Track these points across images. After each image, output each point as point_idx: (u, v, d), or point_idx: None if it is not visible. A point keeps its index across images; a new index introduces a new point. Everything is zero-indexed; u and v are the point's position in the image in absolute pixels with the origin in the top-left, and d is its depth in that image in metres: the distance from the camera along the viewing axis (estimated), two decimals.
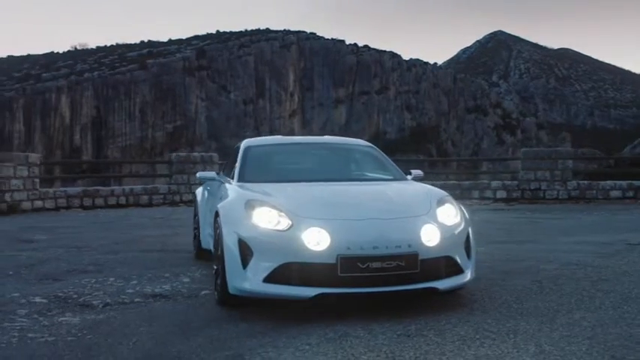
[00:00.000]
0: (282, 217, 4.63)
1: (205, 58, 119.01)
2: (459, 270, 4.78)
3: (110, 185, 22.19)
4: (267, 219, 4.65)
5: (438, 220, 4.79)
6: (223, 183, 5.86)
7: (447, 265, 4.71)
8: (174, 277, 6.24)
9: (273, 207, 4.73)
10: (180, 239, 9.12)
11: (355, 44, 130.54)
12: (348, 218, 4.64)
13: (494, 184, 16.69)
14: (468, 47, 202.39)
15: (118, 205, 15.95)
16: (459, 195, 15.58)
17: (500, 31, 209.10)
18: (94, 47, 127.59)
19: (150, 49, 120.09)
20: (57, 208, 14.39)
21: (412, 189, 5.43)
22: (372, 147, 6.50)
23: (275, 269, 4.48)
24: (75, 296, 5.50)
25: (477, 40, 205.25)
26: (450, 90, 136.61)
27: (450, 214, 4.96)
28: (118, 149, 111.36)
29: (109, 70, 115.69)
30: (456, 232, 4.87)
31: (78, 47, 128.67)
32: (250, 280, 4.54)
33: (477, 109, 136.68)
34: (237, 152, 6.21)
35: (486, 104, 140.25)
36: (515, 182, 16.73)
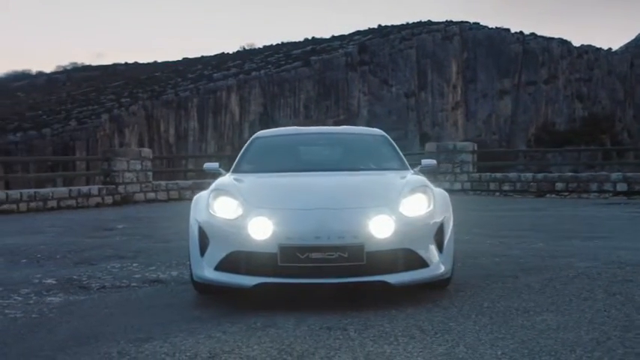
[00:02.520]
0: (238, 207, 4.65)
1: (367, 52, 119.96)
2: (421, 264, 4.51)
3: None
4: (224, 208, 4.69)
5: (398, 211, 4.55)
6: (221, 174, 5.96)
7: (406, 259, 4.46)
8: None
9: (233, 196, 4.76)
10: None
11: (521, 32, 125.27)
12: (295, 208, 4.56)
13: (614, 176, 15.35)
14: None
15: None
16: (575, 188, 14.62)
17: None
18: (260, 47, 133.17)
19: (313, 46, 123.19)
20: (168, 200, 15.29)
21: (393, 179, 5.17)
22: (383, 136, 6.28)
23: (224, 257, 4.52)
24: (84, 279, 5.84)
25: None
26: (626, 76, 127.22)
27: (418, 204, 4.69)
28: None
29: (274, 68, 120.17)
30: (422, 223, 4.60)
31: (246, 47, 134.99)
32: (205, 268, 4.61)
33: None
34: None
35: None
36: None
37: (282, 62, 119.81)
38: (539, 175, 15.98)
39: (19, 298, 5.14)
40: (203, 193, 5.08)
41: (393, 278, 4.38)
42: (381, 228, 4.40)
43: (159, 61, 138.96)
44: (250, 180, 5.25)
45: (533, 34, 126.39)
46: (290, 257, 4.30)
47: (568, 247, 7.22)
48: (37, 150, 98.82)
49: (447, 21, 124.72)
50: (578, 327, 3.91)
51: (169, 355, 3.52)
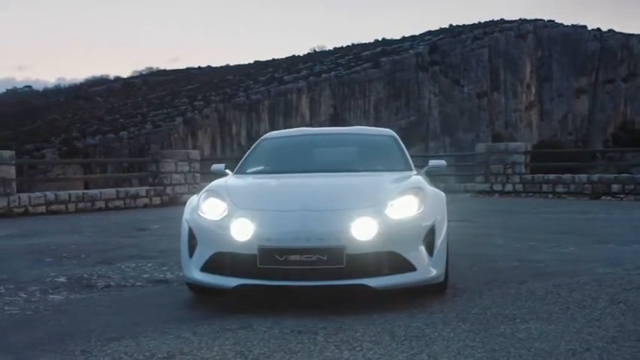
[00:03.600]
0: (224, 208, 4.64)
1: (438, 52, 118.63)
2: (407, 267, 4.37)
3: None
4: (211, 209, 4.70)
5: (384, 213, 4.43)
6: (225, 176, 5.95)
7: (391, 262, 4.33)
8: None
9: (221, 198, 4.76)
10: None
11: (598, 29, 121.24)
12: (276, 209, 4.51)
13: None
14: None
15: None
16: (632, 190, 13.95)
17: None
18: (331, 49, 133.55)
19: (383, 47, 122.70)
20: None
21: (388, 180, 5.03)
22: (391, 137, 6.15)
23: (209, 258, 4.53)
24: (94, 278, 5.95)
25: None
26: None
27: (407, 206, 4.54)
28: None
29: (344, 69, 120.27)
30: (410, 225, 4.45)
31: (316, 49, 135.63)
32: (193, 269, 4.62)
33: None
34: None
35: None
36: None
37: (352, 64, 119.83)
38: (595, 177, 15.34)
39: (24, 296, 5.27)
40: (196, 195, 5.09)
41: (374, 282, 4.26)
42: (363, 230, 4.29)
43: (231, 64, 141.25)
44: (245, 181, 5.25)
45: (611, 30, 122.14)
46: (269, 259, 4.24)
47: (599, 252, 6.91)
48: (114, 152, 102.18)
49: (520, 19, 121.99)
50: (560, 337, 3.70)
51: (127, 355, 3.53)
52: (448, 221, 4.86)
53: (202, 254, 4.55)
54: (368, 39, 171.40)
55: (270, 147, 6.17)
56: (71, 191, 13.03)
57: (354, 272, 4.23)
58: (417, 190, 4.74)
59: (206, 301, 4.83)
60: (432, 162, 6.00)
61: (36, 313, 4.68)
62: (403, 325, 3.99)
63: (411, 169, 5.60)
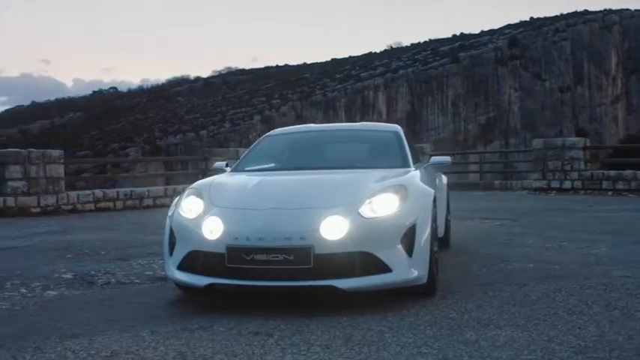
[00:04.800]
0: (200, 206, 4.59)
1: (518, 46, 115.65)
2: (381, 268, 4.19)
3: None
4: (189, 207, 4.66)
5: (357, 212, 4.25)
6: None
7: (363, 263, 4.16)
8: None
9: (200, 196, 4.72)
10: None
11: None
12: (246, 207, 4.43)
13: None
14: None
15: None
16: None
17: None
18: (408, 45, 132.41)
19: (462, 41, 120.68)
20: None
21: (374, 177, 4.82)
22: (394, 133, 5.93)
23: (184, 257, 4.49)
24: (99, 275, 6.01)
25: None
26: None
27: (385, 204, 4.35)
28: (431, 142, 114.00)
29: (422, 65, 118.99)
30: (387, 224, 4.26)
31: (393, 46, 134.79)
32: (172, 267, 4.60)
33: None
34: None
35: None
36: None
37: (430, 59, 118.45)
38: None
39: (24, 291, 5.37)
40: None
41: (344, 283, 4.10)
42: (333, 229, 4.14)
43: (308, 62, 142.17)
44: (233, 179, 5.18)
45: None
46: (236, 258, 4.16)
47: (630, 254, 6.49)
48: (195, 150, 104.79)
49: (605, 10, 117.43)
50: (527, 345, 3.45)
51: (73, 352, 3.51)
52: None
53: (179, 253, 4.53)
54: (446, 34, 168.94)
55: (271, 144, 6.09)
56: (119, 189, 13.35)
57: (323, 273, 4.09)
58: (398, 187, 4.54)
59: (189, 299, 4.79)
60: (434, 158, 5.78)
61: (23, 309, 4.74)
62: (366, 328, 3.82)
63: (408, 166, 5.38)
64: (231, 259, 4.17)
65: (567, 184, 15.52)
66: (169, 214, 4.85)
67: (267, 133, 6.35)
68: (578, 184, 15.35)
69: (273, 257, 4.08)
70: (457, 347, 3.44)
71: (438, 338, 3.60)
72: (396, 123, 6.49)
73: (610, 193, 14.63)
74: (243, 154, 5.94)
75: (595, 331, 3.70)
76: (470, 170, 24.91)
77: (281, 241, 4.10)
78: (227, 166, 5.98)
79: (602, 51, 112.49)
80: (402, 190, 4.51)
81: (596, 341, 3.51)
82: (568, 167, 15.48)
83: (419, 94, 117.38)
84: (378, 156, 5.66)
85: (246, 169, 5.62)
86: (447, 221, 7.15)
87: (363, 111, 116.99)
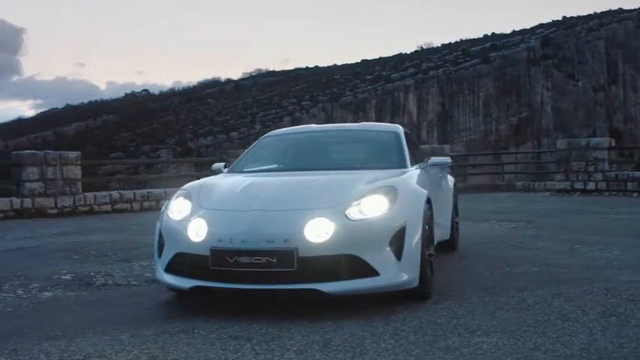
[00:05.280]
0: (188, 208, 4.55)
1: (551, 46, 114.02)
2: (368, 272, 4.08)
3: None
4: (177, 209, 4.62)
5: (344, 214, 4.15)
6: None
7: (349, 266, 4.06)
8: None
9: (189, 197, 4.68)
10: None
11: None
12: (231, 209, 4.37)
13: None
14: None
15: None
16: None
17: None
18: (438, 45, 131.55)
19: (493, 42, 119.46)
20: None
21: (365, 179, 4.70)
22: (393, 133, 5.80)
23: (171, 259, 4.46)
24: (98, 276, 5.99)
25: None
26: None
27: (374, 206, 4.24)
28: (462, 143, 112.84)
29: (452, 66, 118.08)
30: (374, 227, 4.16)
31: (424, 47, 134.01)
32: (160, 269, 4.56)
33: None
34: None
35: None
36: None
37: (461, 60, 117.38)
38: None
39: (21, 292, 5.38)
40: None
41: (328, 287, 4.00)
42: (318, 232, 4.04)
43: (338, 64, 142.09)
44: (225, 180, 5.12)
45: None
46: (220, 261, 4.09)
47: (639, 258, 6.28)
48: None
49: None
50: (510, 353, 3.33)
51: (47, 355, 3.49)
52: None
53: (167, 255, 4.49)
54: (477, 34, 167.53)
55: (269, 145, 6.03)
56: (136, 190, 13.39)
57: (307, 276, 3.99)
58: (388, 189, 4.42)
59: (179, 301, 4.76)
60: (433, 159, 5.65)
61: (15, 310, 4.74)
62: (349, 333, 3.72)
63: (405, 167, 5.26)
64: (215, 261, 4.10)
65: (591, 185, 15.17)
66: (159, 217, 4.81)
67: (267, 134, 6.28)
68: (602, 185, 15.00)
69: (256, 260, 4.00)
70: (436, 354, 3.32)
71: (419, 345, 3.49)
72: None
73: (635, 194, 14.26)
74: (241, 155, 5.88)
75: (585, 338, 3.55)
76: (493, 172, 24.60)
77: (264, 244, 4.02)
78: (225, 167, 5.92)
79: (638, 50, 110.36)
80: (391, 191, 4.39)
81: (583, 349, 3.37)
82: (592, 168, 15.12)
83: (450, 95, 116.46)
84: (375, 157, 5.56)
85: (243, 170, 5.55)
86: (455, 223, 7.00)
87: (394, 112, 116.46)
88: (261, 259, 3.99)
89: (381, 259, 4.11)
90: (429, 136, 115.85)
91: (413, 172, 5.12)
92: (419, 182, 4.91)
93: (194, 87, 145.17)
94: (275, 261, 3.98)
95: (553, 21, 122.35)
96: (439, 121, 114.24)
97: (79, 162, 12.35)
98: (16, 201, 11.48)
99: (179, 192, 4.87)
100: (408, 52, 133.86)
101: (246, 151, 5.96)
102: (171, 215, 4.58)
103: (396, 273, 4.15)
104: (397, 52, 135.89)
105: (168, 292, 5.01)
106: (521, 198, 14.84)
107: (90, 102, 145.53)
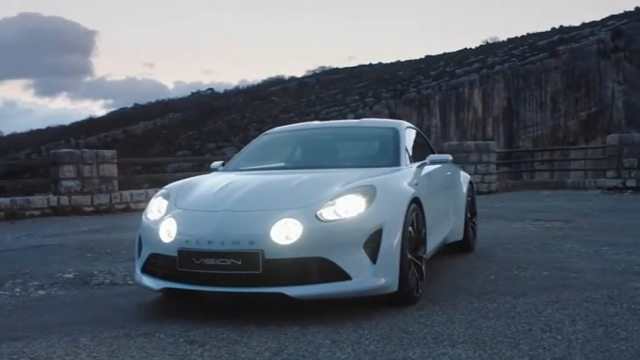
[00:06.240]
0: (165, 208, 4.45)
1: (622, 38, 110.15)
2: (339, 275, 3.88)
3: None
4: (155, 209, 4.55)
5: (315, 214, 3.96)
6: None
7: (319, 269, 3.86)
8: None
9: (167, 197, 4.59)
10: None
11: None
12: (200, 209, 4.26)
13: None
14: None
15: None
16: None
17: None
18: (504, 39, 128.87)
19: (561, 35, 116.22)
20: None
21: (345, 177, 4.47)
22: (392, 129, 5.54)
23: (146, 260, 4.38)
24: (99, 275, 5.97)
25: None
26: None
27: (348, 206, 4.03)
28: (529, 140, 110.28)
29: (519, 60, 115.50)
30: (347, 228, 3.95)
31: (489, 41, 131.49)
32: (137, 270, 4.49)
33: None
34: None
35: None
36: None
37: (527, 54, 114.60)
38: None
39: (17, 290, 5.41)
40: None
41: (294, 291, 3.82)
42: (285, 233, 3.87)
43: (402, 60, 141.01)
44: (211, 178, 5.00)
45: None
46: (187, 262, 3.98)
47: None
48: None
49: None
50: None
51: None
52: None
53: (143, 255, 4.41)
54: (544, 27, 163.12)
55: (267, 142, 5.89)
56: None
57: (272, 279, 3.83)
58: (366, 188, 4.20)
59: (162, 302, 4.66)
60: (431, 156, 5.37)
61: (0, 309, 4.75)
62: (307, 341, 3.54)
63: (398, 165, 5.01)
64: (182, 262, 4.00)
65: None
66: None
67: (266, 132, 6.13)
68: None
69: (221, 262, 3.87)
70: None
71: (376, 355, 3.28)
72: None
73: None
74: (240, 152, 5.76)
75: (559, 352, 3.27)
76: (541, 169, 23.89)
77: (229, 245, 3.87)
78: (223, 165, 5.80)
79: None
80: (369, 190, 4.17)
81: None
82: None
83: (516, 90, 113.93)
84: (369, 154, 5.35)
85: (238, 168, 5.41)
86: (471, 224, 6.69)
87: (458, 108, 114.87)
88: (226, 261, 3.85)
89: (354, 262, 3.91)
90: (494, 133, 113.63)
91: (404, 171, 4.87)
92: (409, 181, 4.66)
93: (258, 85, 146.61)
94: (240, 263, 3.83)
95: (625, 12, 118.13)
96: (504, 116, 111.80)
97: (115, 160, 12.51)
98: (53, 199, 11.70)
99: (160, 191, 4.79)
100: (473, 47, 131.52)
101: (243, 148, 5.83)
102: (149, 215, 4.50)
103: (370, 277, 3.94)
104: (462, 47, 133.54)
105: (156, 293, 4.93)
106: (570, 196, 14.22)
107: (157, 101, 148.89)
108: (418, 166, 5.15)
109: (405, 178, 4.70)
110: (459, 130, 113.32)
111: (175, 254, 4.03)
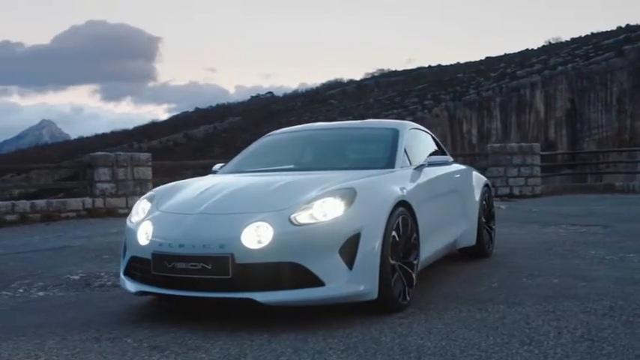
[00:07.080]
0: (146, 210, 4.41)
1: None
2: (312, 281, 3.74)
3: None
4: (138, 212, 4.52)
5: (288, 218, 3.83)
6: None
7: (290, 274, 3.73)
8: None
9: (152, 199, 4.55)
10: None
11: None
12: (175, 212, 4.20)
13: None
14: None
15: None
16: None
17: None
18: (567, 39, 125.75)
19: (627, 33, 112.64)
20: None
21: (328, 180, 4.33)
22: (392, 130, 5.34)
23: (127, 263, 4.35)
24: (104, 277, 5.97)
25: None
26: None
27: (324, 210, 3.89)
28: (593, 142, 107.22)
29: (582, 61, 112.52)
30: (322, 232, 3.80)
31: (552, 41, 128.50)
32: (120, 273, 4.47)
33: None
34: None
35: None
36: None
37: (592, 54, 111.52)
38: None
39: (21, 291, 5.47)
40: None
41: (264, 296, 3.70)
42: (257, 237, 3.76)
43: (461, 62, 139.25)
44: (200, 181, 4.94)
45: None
46: (160, 266, 3.92)
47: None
48: None
49: None
50: None
51: None
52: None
53: (126, 258, 4.38)
54: (609, 26, 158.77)
55: (267, 144, 5.80)
56: None
57: (242, 284, 3.72)
58: (345, 191, 4.04)
59: (148, 305, 4.61)
60: (430, 158, 5.16)
61: None
62: (270, 349, 3.42)
63: (392, 167, 4.83)
64: (156, 266, 3.94)
65: None
66: None
67: (269, 134, 6.03)
68: None
69: (192, 266, 3.79)
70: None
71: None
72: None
73: None
74: (239, 154, 5.68)
75: None
76: (607, 171, 23.02)
77: (200, 249, 3.79)
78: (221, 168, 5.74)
79: None
80: (348, 193, 4.01)
81: None
82: None
83: (580, 91, 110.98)
84: (365, 156, 5.20)
85: (234, 171, 5.32)
86: (487, 228, 6.43)
87: (519, 110, 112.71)
88: (196, 265, 3.77)
89: (328, 267, 3.76)
90: (557, 135, 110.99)
91: (396, 174, 4.69)
92: (399, 184, 4.47)
93: (317, 88, 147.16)
94: (210, 267, 3.74)
95: None
96: (567, 118, 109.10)
97: (149, 163, 12.63)
98: (88, 201, 11.89)
99: (147, 194, 4.75)
100: (535, 48, 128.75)
101: (243, 150, 5.75)
102: (132, 217, 4.47)
103: (345, 284, 3.79)
104: (523, 48, 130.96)
105: (149, 296, 4.89)
106: (618, 200, 13.66)
107: (217, 105, 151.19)
108: (415, 169, 4.95)
109: (395, 180, 4.52)
110: (520, 132, 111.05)
111: (150, 257, 3.97)
